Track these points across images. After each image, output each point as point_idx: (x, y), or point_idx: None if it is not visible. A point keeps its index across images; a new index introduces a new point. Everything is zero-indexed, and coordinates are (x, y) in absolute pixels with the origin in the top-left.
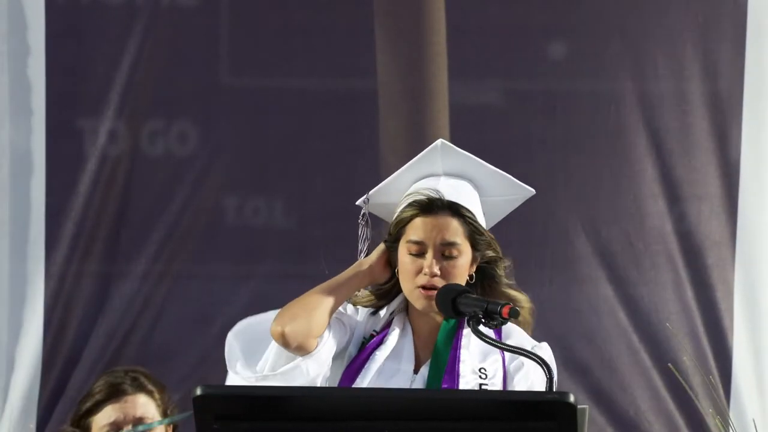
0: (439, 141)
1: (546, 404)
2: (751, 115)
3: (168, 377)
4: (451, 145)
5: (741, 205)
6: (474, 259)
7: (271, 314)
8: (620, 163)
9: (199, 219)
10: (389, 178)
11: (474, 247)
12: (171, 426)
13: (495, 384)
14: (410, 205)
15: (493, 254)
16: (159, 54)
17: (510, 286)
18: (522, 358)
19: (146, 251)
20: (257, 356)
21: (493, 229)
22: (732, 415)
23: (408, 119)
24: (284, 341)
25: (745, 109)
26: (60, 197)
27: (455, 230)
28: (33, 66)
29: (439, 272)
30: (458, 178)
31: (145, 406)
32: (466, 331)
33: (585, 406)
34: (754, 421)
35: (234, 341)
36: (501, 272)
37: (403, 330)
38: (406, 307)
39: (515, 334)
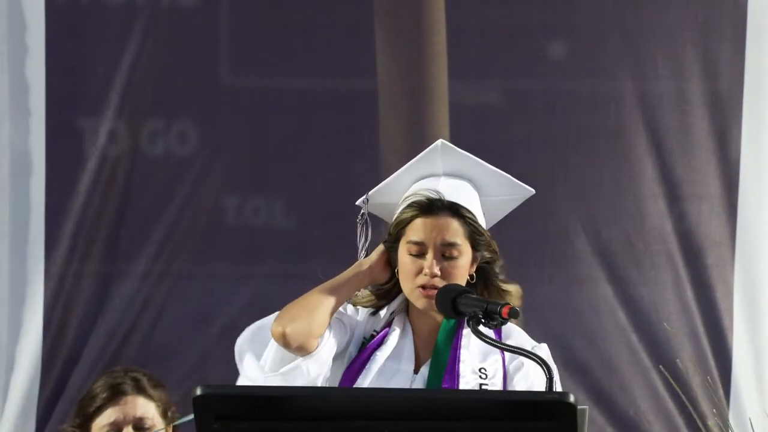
0: (439, 141)
1: (546, 404)
2: (751, 115)
3: (168, 377)
4: (451, 145)
5: (741, 205)
6: (474, 259)
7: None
8: (620, 163)
9: (199, 219)
10: (389, 178)
11: (474, 247)
12: (171, 427)
13: (495, 384)
14: (410, 205)
15: (492, 254)
16: (159, 54)
17: (502, 280)
18: (522, 358)
19: (146, 251)
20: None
21: (493, 229)
22: (732, 415)
23: (408, 119)
24: (285, 341)
25: (745, 109)
26: (60, 197)
27: (455, 231)
28: (33, 66)
29: (439, 273)
30: (458, 178)
31: (144, 406)
32: (466, 331)
33: (585, 407)
34: (750, 420)
35: (244, 345)
36: (498, 271)
37: (403, 330)
38: (407, 307)
39: (515, 334)
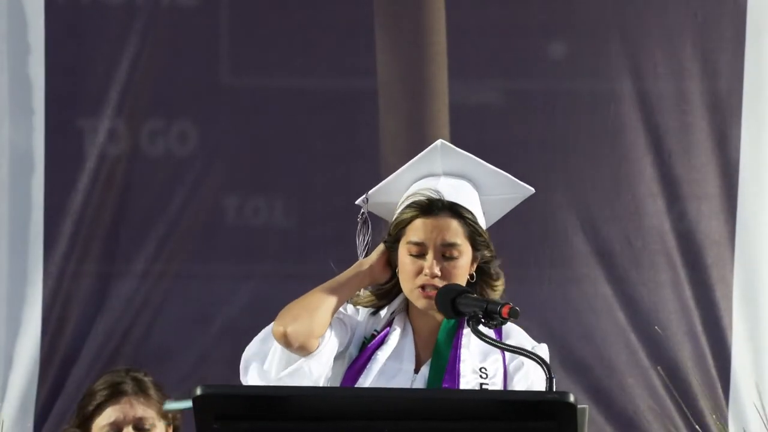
0: (439, 141)
1: (546, 404)
2: (750, 115)
3: (167, 377)
4: (451, 145)
5: (740, 205)
6: (474, 259)
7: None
8: (619, 163)
9: (198, 219)
10: (389, 178)
11: (474, 247)
12: (171, 427)
13: (496, 383)
14: (410, 206)
15: (490, 254)
16: (159, 54)
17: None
18: (522, 357)
19: (145, 251)
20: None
21: (492, 228)
22: (730, 414)
23: (408, 119)
24: (286, 341)
25: (744, 109)
26: (59, 196)
27: (455, 231)
28: (33, 65)
29: (439, 273)
30: (458, 178)
31: (145, 407)
32: (467, 331)
33: (585, 406)
34: (749, 419)
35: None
36: (494, 271)
37: (403, 330)
38: (407, 306)
39: (515, 333)
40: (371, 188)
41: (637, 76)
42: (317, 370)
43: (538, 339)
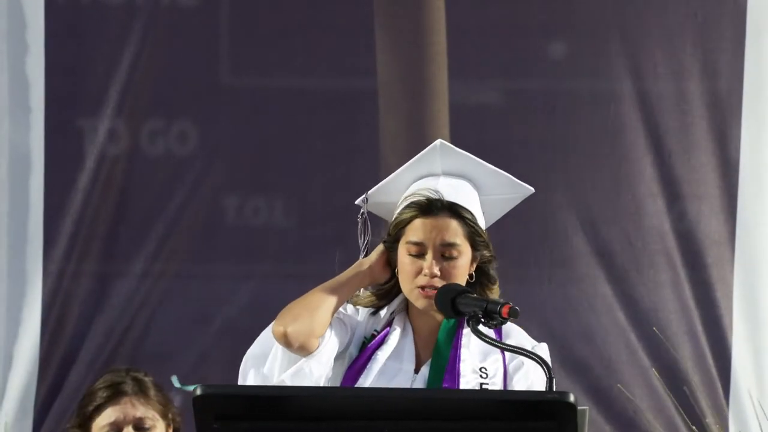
0: (438, 141)
1: (546, 404)
2: (750, 115)
3: (167, 377)
4: (450, 145)
5: (740, 205)
6: (474, 259)
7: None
8: (619, 163)
9: (198, 219)
10: (389, 178)
11: (473, 247)
12: (171, 427)
13: (496, 383)
14: (409, 206)
15: (489, 254)
16: (159, 54)
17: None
18: (522, 357)
19: (145, 250)
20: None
21: (492, 229)
22: (731, 414)
23: (408, 119)
24: (286, 341)
25: (744, 109)
26: (59, 196)
27: (455, 231)
28: (32, 65)
29: (439, 273)
30: (457, 178)
31: (145, 407)
32: (466, 331)
33: (585, 407)
34: (749, 419)
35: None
36: (492, 274)
37: (403, 330)
38: (407, 306)
39: (515, 333)
40: (371, 188)
41: (637, 76)
42: (318, 370)
43: (538, 339)
